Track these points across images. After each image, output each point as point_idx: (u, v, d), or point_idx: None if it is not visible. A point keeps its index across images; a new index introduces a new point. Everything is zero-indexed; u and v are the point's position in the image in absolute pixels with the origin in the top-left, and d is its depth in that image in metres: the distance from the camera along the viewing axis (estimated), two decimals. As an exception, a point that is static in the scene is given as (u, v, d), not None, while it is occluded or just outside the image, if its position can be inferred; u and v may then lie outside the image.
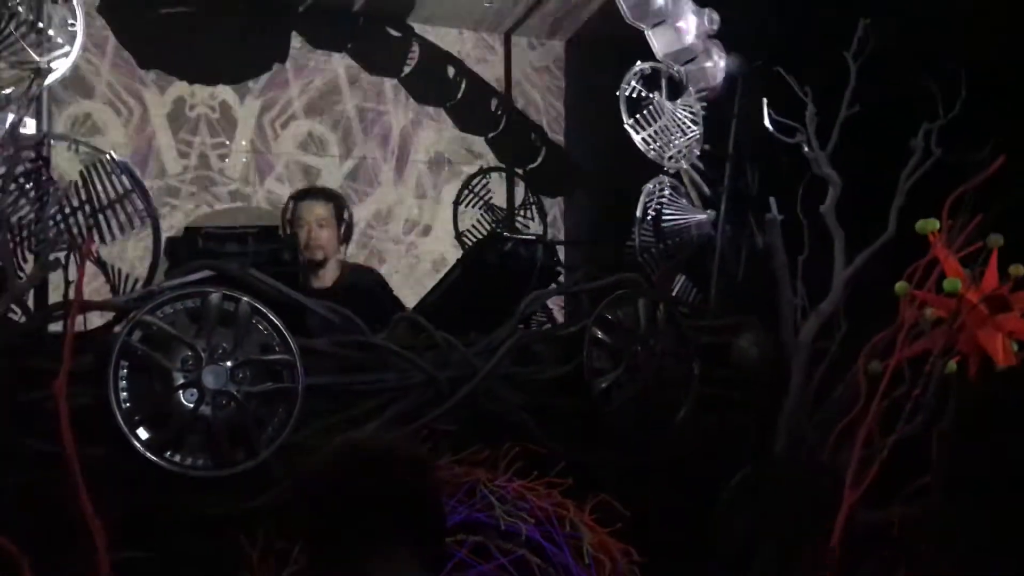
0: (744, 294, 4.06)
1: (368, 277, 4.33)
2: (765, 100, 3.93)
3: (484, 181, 5.33)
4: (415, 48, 5.34)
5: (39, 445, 2.69)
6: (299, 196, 4.23)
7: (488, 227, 5.21)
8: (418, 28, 5.37)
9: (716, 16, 4.12)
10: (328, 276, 4.11)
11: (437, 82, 5.40)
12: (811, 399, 3.55)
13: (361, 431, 2.99)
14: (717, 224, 4.11)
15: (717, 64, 4.19)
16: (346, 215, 4.17)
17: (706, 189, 4.24)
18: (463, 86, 5.44)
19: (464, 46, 5.49)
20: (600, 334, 3.46)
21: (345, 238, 4.18)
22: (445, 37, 5.44)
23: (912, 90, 3.66)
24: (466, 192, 5.28)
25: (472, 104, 5.46)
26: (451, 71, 5.43)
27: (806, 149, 3.79)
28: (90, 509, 2.50)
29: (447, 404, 3.17)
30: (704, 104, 4.18)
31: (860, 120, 3.77)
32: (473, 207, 5.28)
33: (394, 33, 5.33)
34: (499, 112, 5.50)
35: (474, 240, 5.06)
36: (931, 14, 3.61)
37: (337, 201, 4.20)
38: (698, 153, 4.19)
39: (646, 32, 4.12)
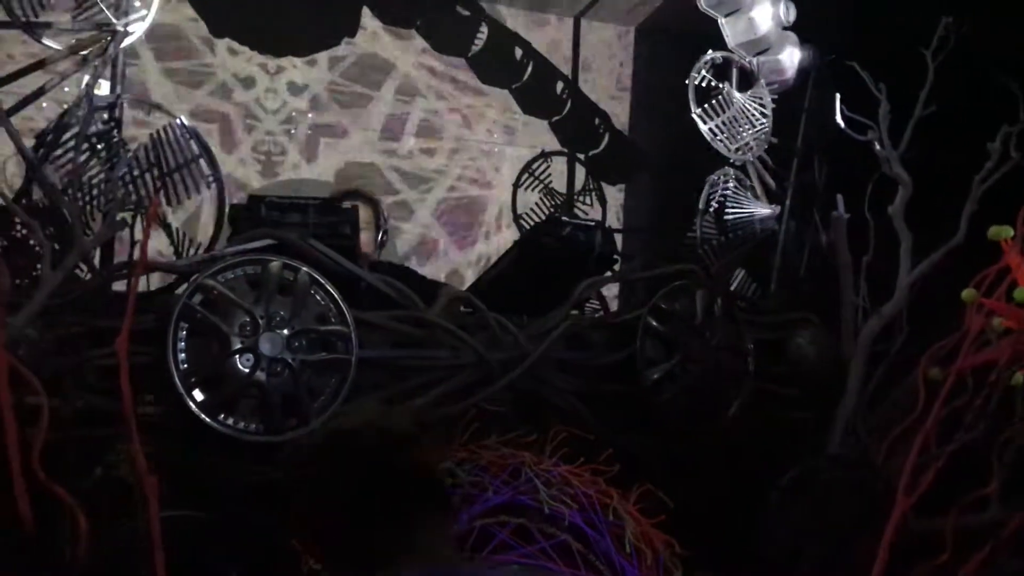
0: (805, 292, 3.99)
1: (397, 272, 4.31)
2: (838, 95, 3.84)
3: (545, 165, 5.31)
4: (483, 28, 5.32)
5: (98, 401, 2.75)
6: (343, 196, 4.15)
7: (547, 211, 5.19)
8: (487, 8, 5.35)
9: (792, 7, 4.04)
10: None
11: (504, 63, 5.38)
12: (867, 402, 3.48)
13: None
14: (781, 219, 4.04)
15: (790, 56, 4.11)
16: (382, 220, 4.17)
17: (771, 183, 4.17)
18: (529, 68, 5.41)
19: (533, 28, 5.47)
20: (655, 324, 3.43)
21: (381, 244, 4.19)
22: (515, 18, 5.42)
23: (992, 92, 3.55)
24: (526, 175, 5.26)
25: (537, 87, 5.44)
26: (518, 52, 5.40)
27: (878, 147, 3.71)
28: (144, 466, 2.55)
29: (496, 385, 3.17)
30: (774, 96, 4.11)
31: (935, 120, 3.67)
32: (533, 190, 5.26)
33: (463, 12, 5.32)
34: (564, 96, 5.47)
35: (532, 223, 5.05)
36: (1014, 14, 3.49)
37: (377, 206, 4.19)
38: (766, 146, 4.12)
39: (719, 21, 4.06)
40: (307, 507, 1.57)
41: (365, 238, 4.06)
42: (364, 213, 4.08)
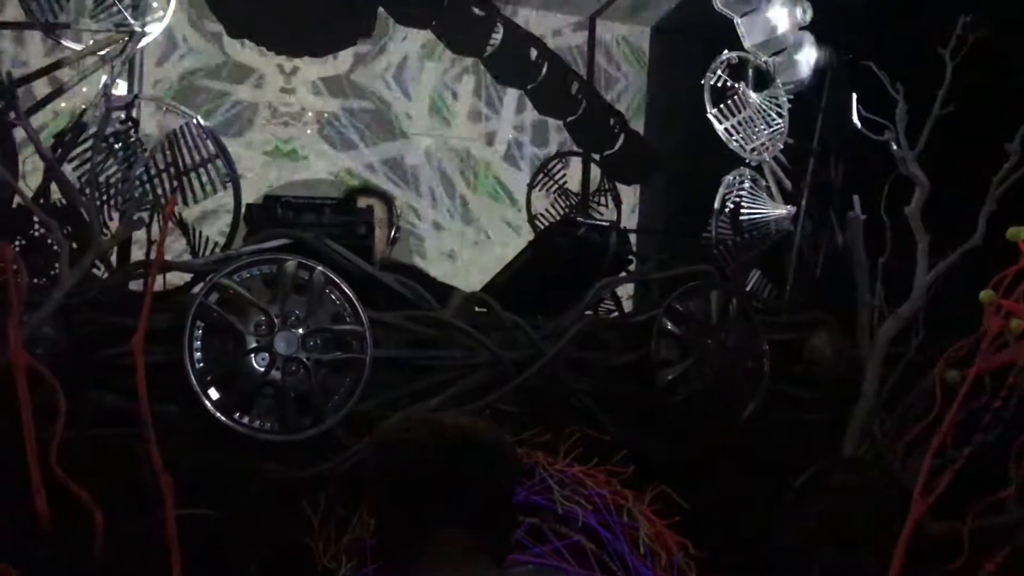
0: (821, 293, 3.98)
1: (409, 273, 4.31)
2: (854, 95, 3.82)
3: (560, 165, 5.30)
4: (499, 28, 5.32)
5: (114, 399, 2.77)
6: (356, 194, 4.14)
7: (562, 211, 5.18)
8: (502, 8, 5.35)
9: (808, 7, 4.02)
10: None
11: (518, 63, 5.38)
12: (884, 404, 3.46)
13: (429, 408, 3.00)
14: (797, 220, 4.03)
15: (807, 56, 4.09)
16: (395, 218, 4.17)
17: (787, 183, 4.16)
18: (544, 68, 5.40)
19: (547, 28, 5.46)
20: (670, 325, 3.43)
21: (392, 240, 4.19)
22: (529, 18, 5.42)
23: (1010, 92, 3.53)
24: (541, 175, 5.26)
25: (552, 87, 5.43)
26: (533, 53, 5.40)
27: (894, 148, 3.69)
28: (160, 464, 2.57)
29: (510, 385, 3.17)
30: (790, 97, 4.09)
31: (953, 120, 3.64)
32: (548, 191, 5.25)
33: (478, 12, 5.32)
34: (579, 96, 5.46)
35: (546, 224, 5.04)
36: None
37: (391, 203, 4.19)
38: (781, 146, 4.11)
39: (735, 21, 4.05)
40: (387, 485, 1.53)
41: (379, 236, 4.06)
42: (381, 211, 4.09)
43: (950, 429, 2.85)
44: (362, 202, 4.03)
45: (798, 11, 4.00)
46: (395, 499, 1.51)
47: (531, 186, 5.23)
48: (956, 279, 3.51)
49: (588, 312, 3.50)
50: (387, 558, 1.53)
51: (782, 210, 4.11)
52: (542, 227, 5.04)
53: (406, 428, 1.57)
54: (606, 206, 5.34)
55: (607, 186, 5.37)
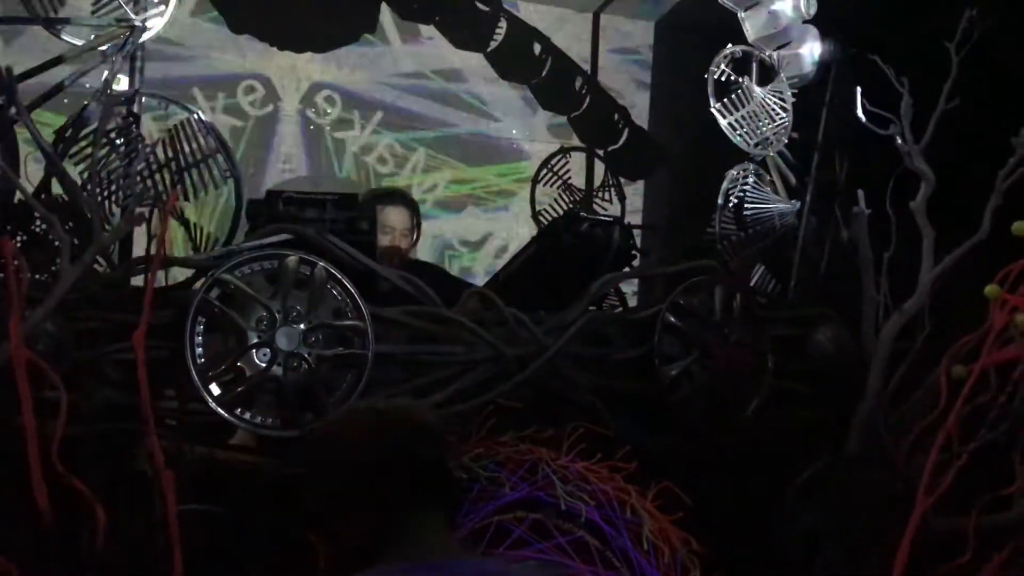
0: (825, 288, 3.96)
1: (431, 271, 4.30)
2: (859, 89, 3.80)
3: (564, 160, 5.29)
4: (502, 22, 5.31)
5: (115, 395, 2.76)
6: (383, 199, 4.11)
7: (565, 207, 5.17)
8: (506, 3, 5.34)
9: (813, 0, 4.00)
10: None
11: (522, 58, 5.36)
12: (889, 399, 3.44)
13: (433, 403, 3.00)
14: (801, 214, 4.01)
15: (811, 50, 4.07)
16: (417, 220, 4.15)
17: (792, 178, 4.14)
18: (548, 63, 5.39)
19: (551, 23, 5.45)
20: (673, 320, 3.41)
21: (414, 243, 4.17)
22: (532, 13, 5.40)
23: (1017, 86, 3.50)
24: (545, 171, 5.24)
25: (556, 82, 5.42)
26: (537, 48, 5.39)
27: (899, 142, 3.66)
28: (161, 460, 2.56)
29: (513, 380, 3.17)
30: (795, 91, 4.07)
31: (959, 114, 3.62)
32: (551, 186, 5.24)
33: (482, 7, 5.31)
34: (583, 91, 5.44)
35: (550, 219, 5.03)
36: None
37: (415, 208, 4.17)
38: (786, 141, 4.09)
39: (739, 14, 4.03)
40: (325, 486, 1.56)
41: (407, 243, 4.04)
42: (408, 218, 4.06)
43: (955, 425, 2.83)
44: (395, 211, 4.02)
45: (802, 4, 3.98)
46: (340, 491, 1.53)
47: (535, 181, 5.22)
48: (962, 274, 3.49)
49: (591, 307, 3.49)
50: (351, 552, 1.54)
51: (786, 205, 4.10)
52: (546, 222, 5.03)
53: (328, 426, 1.62)
54: (610, 201, 5.33)
55: (611, 181, 5.36)
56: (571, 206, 5.16)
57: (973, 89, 3.61)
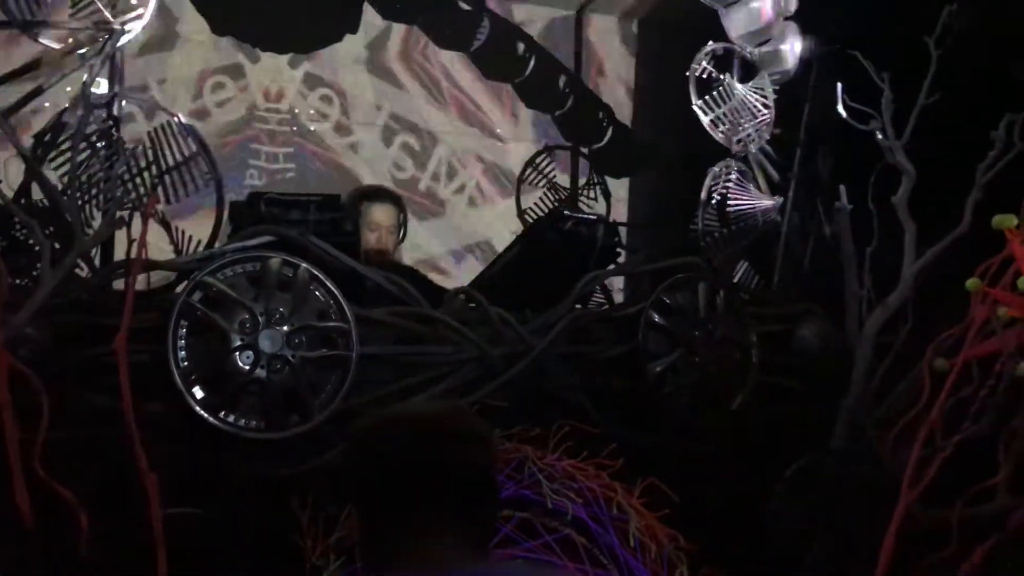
0: (809, 283, 3.97)
1: (409, 275, 4.28)
2: (840, 85, 3.81)
3: (549, 159, 5.29)
4: (485, 22, 5.30)
5: (98, 399, 2.75)
6: (370, 197, 4.09)
7: (551, 205, 5.17)
8: (489, 2, 5.34)
9: (793, -3, 4.02)
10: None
11: (506, 57, 5.36)
12: (873, 393, 3.46)
13: (412, 401, 2.99)
14: (784, 210, 4.02)
15: (792, 47, 4.09)
16: (403, 218, 4.14)
17: (774, 174, 4.15)
18: (532, 62, 5.39)
19: (535, 22, 5.45)
20: (657, 317, 3.42)
21: (400, 241, 4.16)
22: (516, 12, 5.40)
23: (995, 80, 3.51)
24: (530, 170, 5.24)
25: (540, 81, 5.41)
26: (520, 47, 5.38)
27: (880, 137, 3.68)
28: (144, 464, 2.55)
29: (499, 380, 3.16)
30: (776, 87, 4.08)
31: (938, 109, 3.63)
32: (537, 185, 5.24)
33: (465, 6, 5.30)
34: (567, 90, 5.44)
35: (536, 218, 5.03)
36: (1017, 1, 3.46)
37: (401, 205, 4.16)
38: (768, 137, 4.10)
39: (720, 12, 4.04)
40: (365, 477, 1.51)
41: (394, 240, 4.03)
42: (395, 215, 4.05)
43: (939, 418, 2.84)
44: (382, 208, 4.01)
45: (782, 1, 3.99)
46: (376, 494, 1.50)
47: (520, 180, 5.22)
48: (944, 268, 3.50)
49: (577, 306, 3.49)
50: (372, 554, 1.51)
51: (769, 201, 4.11)
52: (532, 221, 5.03)
53: (382, 422, 1.55)
54: (595, 199, 5.33)
55: (596, 179, 5.36)
56: (556, 205, 5.16)
57: (953, 84, 3.62)
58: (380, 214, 4.00)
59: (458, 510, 1.46)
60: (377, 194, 4.15)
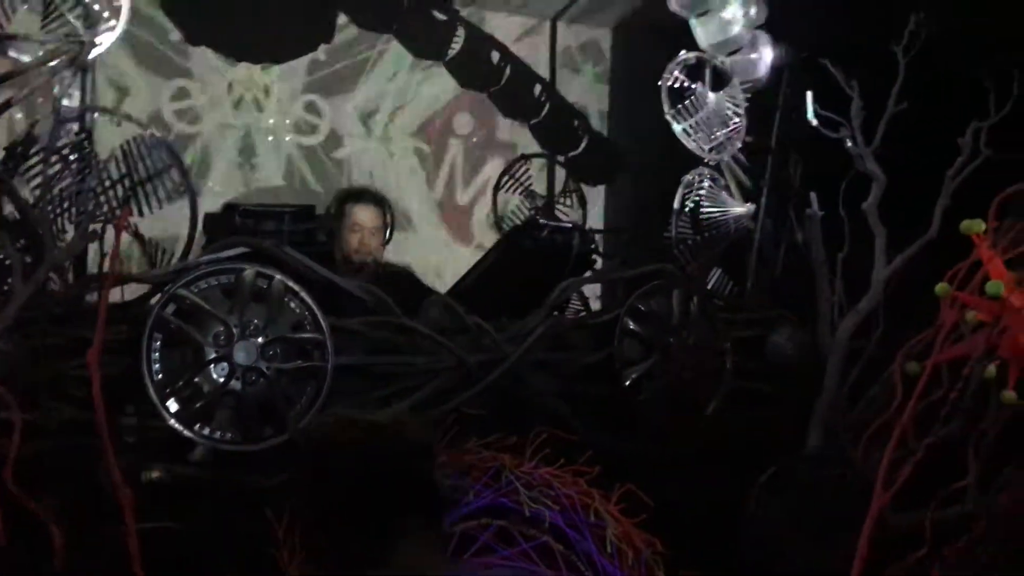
0: (781, 289, 4.00)
1: (401, 274, 4.29)
2: (810, 93, 3.86)
3: (525, 167, 5.31)
4: (460, 31, 5.32)
5: (73, 413, 2.74)
6: (354, 198, 4.06)
7: (527, 214, 5.19)
8: (464, 11, 5.36)
9: (763, 7, 4.06)
10: (362, 276, 4.07)
11: (481, 66, 5.38)
12: (845, 398, 3.49)
13: (365, 412, 2.99)
14: (756, 218, 4.06)
15: (762, 55, 4.13)
16: (389, 219, 4.14)
17: (747, 182, 4.19)
18: (507, 71, 5.41)
19: (509, 30, 5.47)
20: (632, 324, 3.44)
21: (386, 242, 4.16)
22: (491, 21, 5.42)
23: (962, 87, 3.56)
24: (506, 178, 5.26)
25: (516, 90, 5.44)
26: (495, 56, 5.41)
27: (850, 144, 3.72)
28: (119, 478, 2.54)
29: (475, 388, 3.17)
30: (748, 96, 4.12)
31: (907, 117, 3.68)
32: (513, 193, 5.26)
33: (440, 16, 5.32)
34: (542, 98, 5.47)
35: (512, 226, 5.05)
36: (984, 10, 3.51)
37: (385, 206, 4.15)
38: (739, 145, 4.14)
39: (691, 21, 4.07)
40: (316, 502, 1.54)
41: (377, 241, 4.02)
42: (378, 216, 4.04)
43: (910, 421, 2.87)
44: (365, 209, 4.02)
45: (752, 11, 4.03)
46: (329, 506, 1.51)
47: (497, 188, 5.24)
48: (914, 273, 3.54)
49: (554, 313, 3.51)
50: (329, 564, 1.53)
51: (741, 208, 4.15)
52: (508, 229, 5.05)
53: (330, 436, 1.58)
54: (572, 207, 5.36)
55: (573, 187, 5.39)
56: (533, 213, 5.18)
57: (921, 92, 3.67)
58: (363, 215, 3.99)
59: (410, 518, 1.49)
60: (360, 195, 4.14)
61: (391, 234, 4.11)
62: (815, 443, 3.46)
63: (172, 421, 2.82)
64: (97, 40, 3.16)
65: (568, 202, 5.37)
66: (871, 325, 3.55)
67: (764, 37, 4.15)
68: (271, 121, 5.47)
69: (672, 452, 3.41)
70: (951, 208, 3.46)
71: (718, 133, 4.07)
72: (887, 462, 2.84)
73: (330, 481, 1.53)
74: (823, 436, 3.45)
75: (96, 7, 3.20)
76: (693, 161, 4.18)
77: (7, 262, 2.69)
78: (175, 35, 4.97)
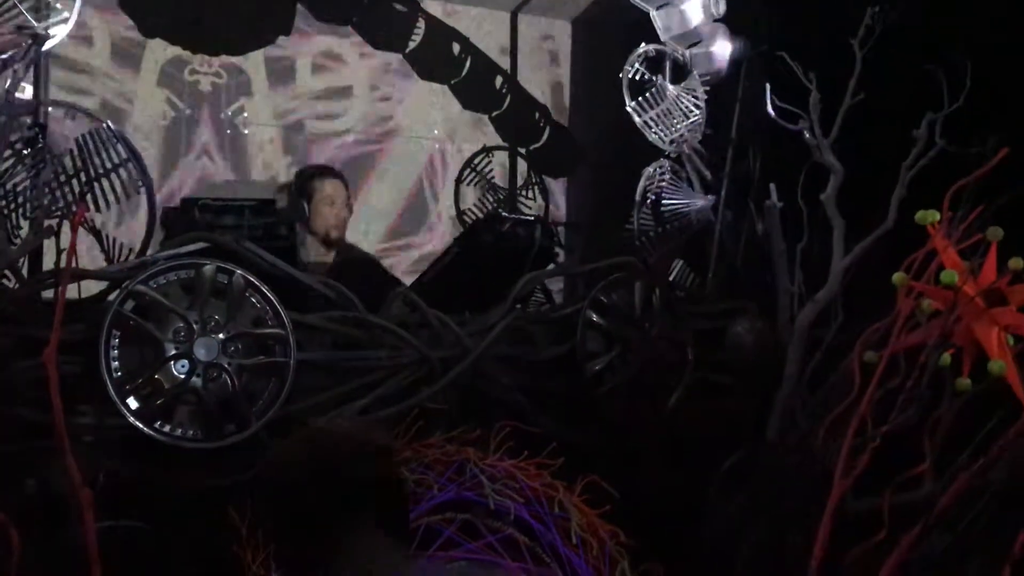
0: (742, 280, 4.04)
1: (362, 255, 4.29)
2: (768, 85, 3.89)
3: (487, 160, 5.30)
4: (420, 23, 5.30)
5: (29, 413, 2.69)
6: (319, 174, 4.09)
7: (489, 206, 5.18)
8: (424, 3, 5.33)
9: (722, 0, 4.08)
10: (332, 254, 4.08)
11: (442, 58, 5.36)
12: (805, 387, 3.53)
13: (356, 409, 2.99)
14: (717, 209, 4.09)
15: (722, 48, 4.16)
16: (348, 196, 4.13)
17: (707, 174, 4.22)
18: (468, 63, 5.40)
19: (470, 23, 5.46)
20: (595, 317, 3.46)
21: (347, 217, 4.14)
22: (451, 14, 5.40)
23: (917, 80, 3.62)
24: (468, 171, 5.25)
25: (476, 82, 5.43)
26: (456, 48, 5.39)
27: (808, 136, 3.76)
28: (78, 478, 2.50)
29: (439, 384, 3.17)
30: (707, 88, 4.15)
31: (864, 108, 3.73)
32: (475, 186, 5.25)
33: (399, 8, 5.29)
34: (503, 91, 5.46)
35: (473, 219, 5.04)
36: (938, 3, 3.57)
37: (346, 181, 4.15)
38: (700, 137, 4.17)
39: (651, 13, 4.09)
40: (277, 507, 1.57)
41: (339, 215, 4.01)
42: (345, 190, 4.04)
43: (868, 409, 2.91)
44: (334, 183, 4.01)
45: (712, 3, 4.06)
46: (293, 508, 1.54)
47: (458, 181, 5.23)
48: (871, 263, 3.59)
49: (517, 307, 3.51)
50: (293, 566, 1.55)
51: (702, 200, 4.18)
52: (469, 222, 5.04)
53: (288, 446, 1.62)
54: (534, 199, 5.36)
55: (535, 179, 5.39)
56: (494, 206, 5.18)
57: (877, 84, 3.72)
58: (332, 189, 4.00)
59: (372, 517, 1.51)
60: (324, 171, 4.16)
61: (350, 210, 4.11)
62: (775, 432, 3.50)
63: (132, 419, 2.78)
64: (50, 32, 3.11)
65: (530, 195, 5.37)
66: (830, 314, 3.60)
67: (723, 30, 4.17)
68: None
69: (634, 443, 3.44)
70: (907, 198, 3.51)
71: (679, 125, 4.09)
72: (847, 449, 2.89)
73: (281, 484, 1.56)
74: (783, 425, 3.49)
75: (49, -1, 3.14)
76: (653, 154, 4.20)
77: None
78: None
